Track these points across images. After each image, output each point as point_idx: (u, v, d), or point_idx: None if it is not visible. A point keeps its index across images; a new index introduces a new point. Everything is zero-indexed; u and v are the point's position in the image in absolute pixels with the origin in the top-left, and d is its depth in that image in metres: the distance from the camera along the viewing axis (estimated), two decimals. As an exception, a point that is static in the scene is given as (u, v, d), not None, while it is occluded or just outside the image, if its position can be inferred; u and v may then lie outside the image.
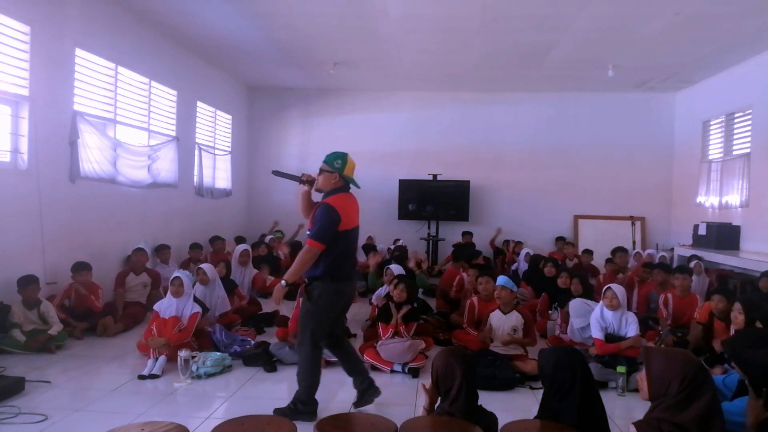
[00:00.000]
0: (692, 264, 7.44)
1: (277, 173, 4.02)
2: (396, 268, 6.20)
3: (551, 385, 2.74)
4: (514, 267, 9.14)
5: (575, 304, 5.41)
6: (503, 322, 4.98)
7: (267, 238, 9.73)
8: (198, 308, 5.07)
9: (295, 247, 10.06)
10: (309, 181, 3.83)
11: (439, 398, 2.93)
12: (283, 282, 3.57)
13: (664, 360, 2.39)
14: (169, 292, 5.11)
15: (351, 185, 3.80)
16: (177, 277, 5.10)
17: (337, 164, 3.70)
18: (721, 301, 5.08)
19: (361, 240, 10.14)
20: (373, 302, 6.22)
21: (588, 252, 9.03)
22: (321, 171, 3.75)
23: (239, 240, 9.53)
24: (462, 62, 8.84)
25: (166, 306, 5.03)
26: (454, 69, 9.30)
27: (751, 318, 4.25)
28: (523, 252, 9.06)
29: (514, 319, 4.98)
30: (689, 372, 2.30)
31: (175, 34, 7.91)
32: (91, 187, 6.39)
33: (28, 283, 5.13)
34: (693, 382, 2.29)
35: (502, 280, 5.10)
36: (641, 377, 2.48)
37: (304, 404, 3.66)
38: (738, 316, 4.36)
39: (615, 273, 7.91)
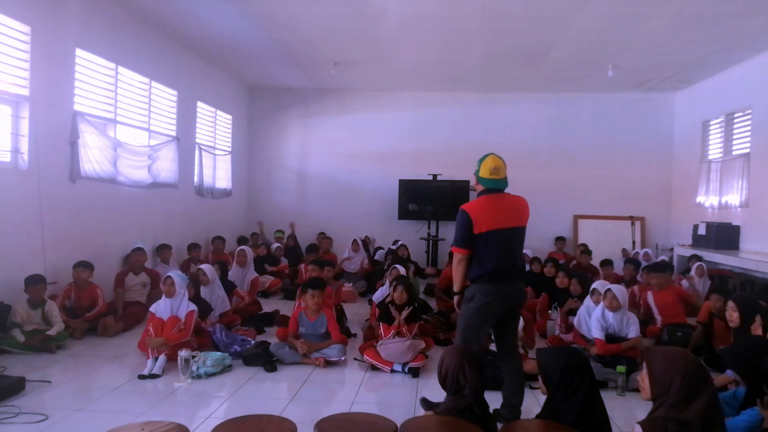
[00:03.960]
0: (695, 266, 7.44)
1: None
2: (401, 269, 6.18)
3: (558, 386, 2.73)
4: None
5: (600, 284, 5.41)
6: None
7: (273, 246, 9.64)
8: (194, 306, 5.06)
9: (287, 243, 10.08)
10: (473, 188, 4.06)
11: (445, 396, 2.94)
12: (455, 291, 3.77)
13: (665, 359, 2.40)
14: (163, 293, 5.09)
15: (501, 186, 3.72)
16: (168, 277, 5.07)
17: (476, 167, 3.73)
18: (719, 300, 5.08)
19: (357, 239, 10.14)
20: (374, 300, 6.21)
21: (587, 252, 9.03)
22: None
23: (241, 241, 9.51)
24: (462, 62, 8.84)
25: (162, 308, 5.01)
26: (454, 69, 9.29)
27: (748, 314, 4.23)
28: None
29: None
30: (690, 370, 2.32)
31: (175, 34, 7.91)
32: (92, 187, 6.39)
33: (35, 282, 5.16)
34: (694, 379, 2.31)
35: None
36: (642, 377, 2.49)
37: None
38: (733, 314, 4.36)
39: (615, 280, 7.85)
